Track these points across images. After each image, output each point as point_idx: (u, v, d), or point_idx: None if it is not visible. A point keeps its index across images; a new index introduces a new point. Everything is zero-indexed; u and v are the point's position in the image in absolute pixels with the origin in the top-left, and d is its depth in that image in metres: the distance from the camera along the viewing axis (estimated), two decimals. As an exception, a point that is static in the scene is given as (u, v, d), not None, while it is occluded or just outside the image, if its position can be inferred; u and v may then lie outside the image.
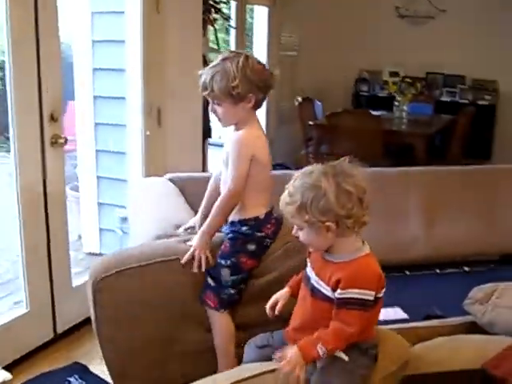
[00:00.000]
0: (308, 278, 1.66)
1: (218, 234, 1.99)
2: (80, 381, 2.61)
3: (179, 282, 1.91)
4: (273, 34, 6.71)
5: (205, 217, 2.07)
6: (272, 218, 1.98)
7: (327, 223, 1.51)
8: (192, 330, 1.94)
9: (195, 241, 1.91)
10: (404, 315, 2.71)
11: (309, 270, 1.67)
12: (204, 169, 4.48)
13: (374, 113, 5.65)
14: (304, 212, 1.52)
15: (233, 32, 5.76)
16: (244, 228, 1.93)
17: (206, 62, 3.97)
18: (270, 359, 1.65)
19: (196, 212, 2.42)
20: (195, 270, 1.88)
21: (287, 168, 5.81)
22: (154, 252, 1.92)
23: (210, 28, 4.59)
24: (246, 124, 1.94)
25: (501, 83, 7.50)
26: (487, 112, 7.15)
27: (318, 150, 5.63)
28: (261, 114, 6.49)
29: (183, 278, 1.92)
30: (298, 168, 1.66)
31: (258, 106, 1.95)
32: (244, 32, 5.95)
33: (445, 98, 7.64)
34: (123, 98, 3.64)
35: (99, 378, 2.69)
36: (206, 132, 4.37)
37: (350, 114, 5.56)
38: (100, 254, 4.09)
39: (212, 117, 5.71)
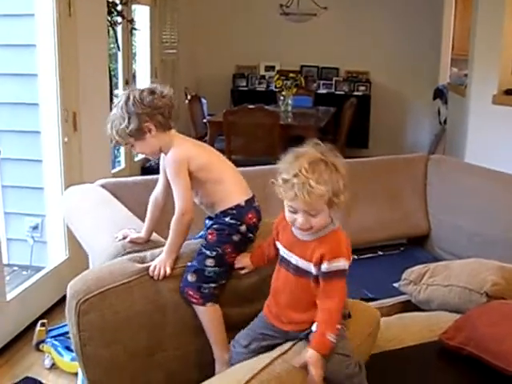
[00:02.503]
0: (287, 262, 1.75)
1: (194, 242, 2.03)
2: (38, 395, 2.57)
3: (160, 290, 1.92)
4: (154, 33, 6.71)
5: (150, 231, 2.13)
6: (253, 206, 1.99)
7: (342, 198, 1.63)
8: (172, 337, 1.95)
9: (158, 258, 1.92)
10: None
11: (286, 254, 1.76)
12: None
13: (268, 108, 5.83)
14: (336, 196, 1.61)
15: (119, 34, 5.70)
16: (227, 218, 1.94)
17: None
18: (258, 353, 1.76)
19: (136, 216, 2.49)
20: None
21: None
22: (137, 266, 1.93)
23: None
24: (170, 145, 1.96)
25: (372, 74, 7.98)
26: (362, 102, 7.54)
27: (213, 146, 5.72)
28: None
29: (160, 286, 1.94)
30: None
31: (165, 124, 1.96)
32: (131, 34, 5.94)
33: (322, 91, 8.00)
34: (35, 105, 3.55)
35: (54, 389, 2.68)
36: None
37: (246, 110, 5.71)
38: (9, 265, 3.97)
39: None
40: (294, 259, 1.73)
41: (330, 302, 1.66)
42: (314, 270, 1.68)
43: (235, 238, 1.94)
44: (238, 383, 1.55)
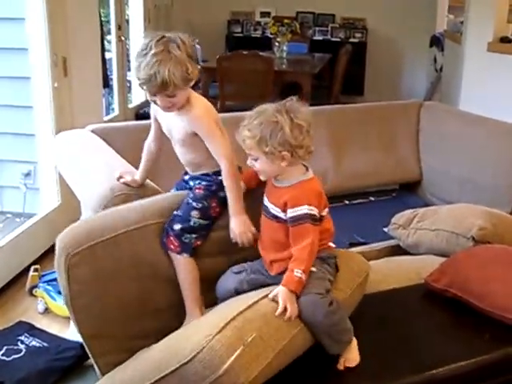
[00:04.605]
0: (266, 208, 1.85)
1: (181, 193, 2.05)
2: (31, 338, 2.59)
3: (151, 247, 1.92)
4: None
5: (143, 177, 2.17)
6: None
7: (283, 153, 1.72)
8: (163, 288, 1.96)
9: (234, 225, 1.91)
10: (331, 245, 2.91)
11: (265, 200, 1.86)
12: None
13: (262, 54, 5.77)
14: (264, 145, 1.72)
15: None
16: (219, 178, 1.96)
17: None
18: (242, 282, 1.87)
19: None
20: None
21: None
22: (125, 220, 1.91)
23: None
24: (189, 100, 1.92)
25: (369, 21, 7.87)
26: (358, 49, 7.46)
27: (207, 93, 5.68)
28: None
29: (155, 242, 1.93)
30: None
31: None
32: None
33: (317, 37, 7.91)
34: (24, 49, 3.49)
35: (47, 332, 2.71)
36: (105, 80, 4.33)
37: (240, 56, 5.64)
38: (2, 212, 3.98)
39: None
40: (270, 206, 1.83)
41: (298, 245, 1.75)
42: (283, 216, 1.79)
43: (221, 193, 1.97)
44: (224, 319, 1.59)
